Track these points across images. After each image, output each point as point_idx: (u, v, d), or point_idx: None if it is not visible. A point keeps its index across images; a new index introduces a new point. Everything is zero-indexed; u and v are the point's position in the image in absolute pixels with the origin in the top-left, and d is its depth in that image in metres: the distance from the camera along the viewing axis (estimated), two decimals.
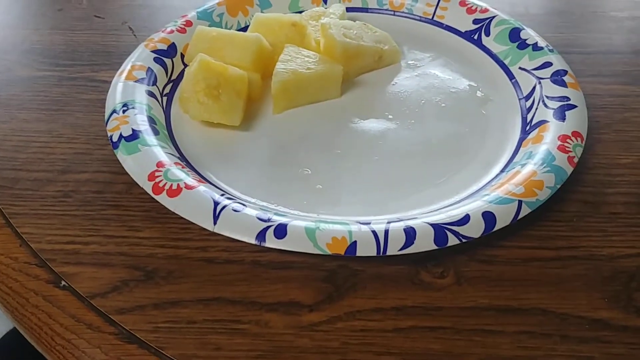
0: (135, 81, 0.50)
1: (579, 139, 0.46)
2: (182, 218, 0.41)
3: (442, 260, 0.41)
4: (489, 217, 0.40)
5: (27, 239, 0.42)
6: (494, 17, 0.58)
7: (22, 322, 0.39)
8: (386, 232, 0.39)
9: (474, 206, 0.41)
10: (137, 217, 0.44)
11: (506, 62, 0.55)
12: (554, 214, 0.44)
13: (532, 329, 0.37)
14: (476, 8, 0.59)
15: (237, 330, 0.37)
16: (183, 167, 0.44)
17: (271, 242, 0.39)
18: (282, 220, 0.40)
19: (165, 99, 0.52)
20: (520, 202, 0.41)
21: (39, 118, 0.52)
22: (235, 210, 0.40)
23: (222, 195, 0.42)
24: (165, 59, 0.53)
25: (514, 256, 0.41)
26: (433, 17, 0.60)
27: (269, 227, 0.39)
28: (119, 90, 0.49)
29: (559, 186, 0.43)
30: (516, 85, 0.53)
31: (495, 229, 0.40)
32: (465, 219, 0.40)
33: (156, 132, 0.47)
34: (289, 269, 0.40)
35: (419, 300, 0.39)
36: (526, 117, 0.50)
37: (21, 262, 0.41)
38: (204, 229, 0.40)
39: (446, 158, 0.48)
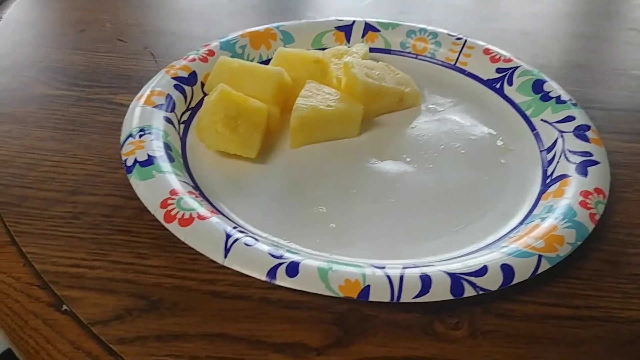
0: (154, 107, 0.50)
1: (601, 195, 0.45)
2: (191, 248, 0.40)
3: (457, 311, 0.40)
4: (507, 269, 0.39)
5: (31, 259, 0.41)
6: (517, 67, 0.57)
7: (19, 345, 0.38)
8: (401, 277, 0.38)
9: (492, 257, 0.40)
10: (145, 244, 0.43)
11: (528, 113, 0.54)
12: (573, 270, 0.43)
13: None
14: (500, 57, 0.59)
15: None
16: (196, 197, 0.43)
17: (282, 280, 0.38)
18: (295, 258, 0.39)
19: (182, 126, 0.51)
20: (540, 256, 0.40)
21: (54, 137, 0.52)
22: (247, 245, 0.39)
23: (235, 227, 0.41)
24: (185, 87, 0.53)
25: (531, 312, 0.40)
26: (456, 63, 0.60)
27: (280, 264, 0.38)
28: (136, 114, 0.49)
29: (579, 243, 0.41)
30: (537, 136, 0.52)
31: (514, 282, 0.39)
32: (482, 270, 0.39)
33: (171, 159, 0.46)
34: (298, 309, 0.39)
35: (431, 351, 0.37)
36: (547, 170, 0.49)
37: (23, 283, 0.40)
38: (213, 261, 0.39)
39: (464, 205, 0.47)
